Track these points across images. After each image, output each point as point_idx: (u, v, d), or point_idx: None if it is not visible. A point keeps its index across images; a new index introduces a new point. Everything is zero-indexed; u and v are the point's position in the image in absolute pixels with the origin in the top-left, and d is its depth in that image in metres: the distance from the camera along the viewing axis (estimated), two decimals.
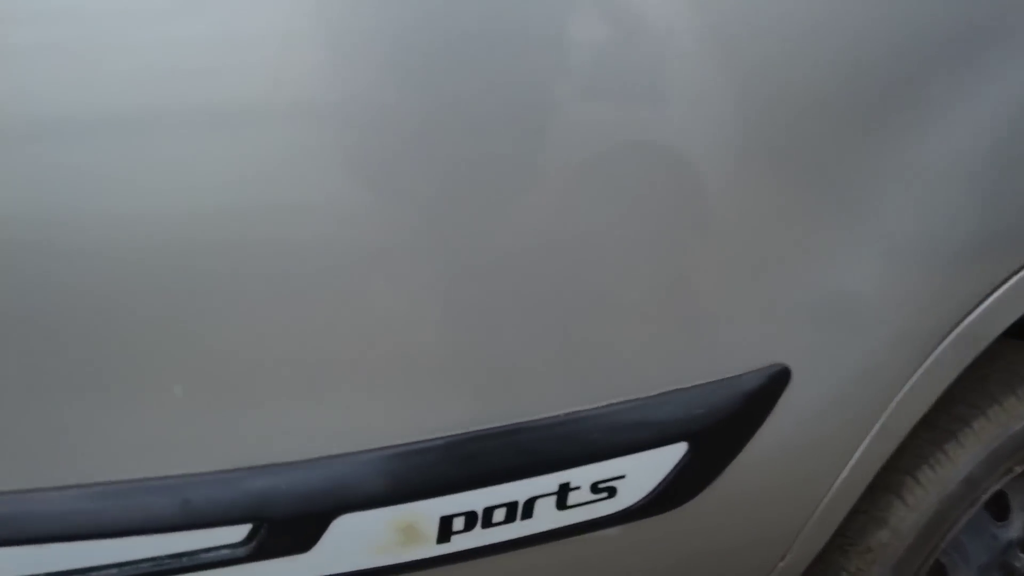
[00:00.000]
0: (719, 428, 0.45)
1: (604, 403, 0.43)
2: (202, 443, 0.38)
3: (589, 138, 0.39)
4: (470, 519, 0.41)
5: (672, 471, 0.45)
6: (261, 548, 0.39)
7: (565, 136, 0.39)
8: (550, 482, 0.42)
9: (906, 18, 0.46)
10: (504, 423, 0.41)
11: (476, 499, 0.41)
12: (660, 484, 0.45)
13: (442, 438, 0.40)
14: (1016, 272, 0.54)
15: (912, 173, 0.48)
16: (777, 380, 0.47)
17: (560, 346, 0.42)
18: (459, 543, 0.42)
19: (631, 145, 0.41)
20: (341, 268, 0.37)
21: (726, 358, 0.46)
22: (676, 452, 0.44)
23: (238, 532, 0.39)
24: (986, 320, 0.54)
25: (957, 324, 0.53)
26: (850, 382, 0.51)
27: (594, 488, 0.43)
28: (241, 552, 0.39)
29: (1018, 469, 0.71)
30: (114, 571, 0.38)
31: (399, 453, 0.40)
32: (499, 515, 0.42)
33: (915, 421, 0.56)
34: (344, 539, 0.40)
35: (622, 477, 0.44)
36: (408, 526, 0.41)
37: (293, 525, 0.39)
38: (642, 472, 0.44)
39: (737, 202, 0.44)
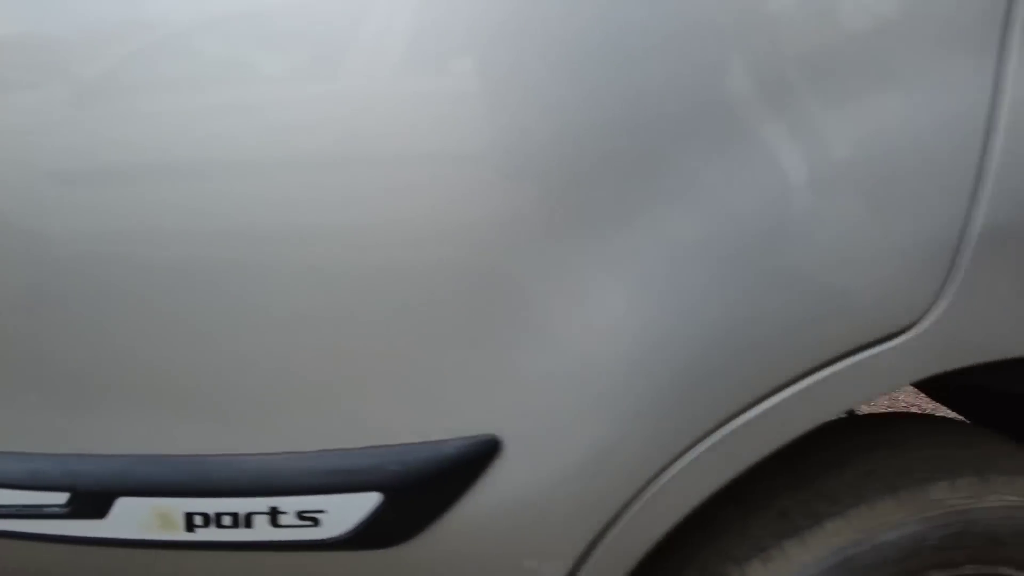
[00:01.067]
0: (414, 486, 0.52)
1: (312, 448, 0.52)
2: (42, 432, 0.56)
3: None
4: (206, 518, 0.54)
5: (369, 516, 0.52)
6: (74, 510, 0.56)
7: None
8: (264, 504, 0.53)
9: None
10: (232, 451, 0.53)
11: (210, 504, 0.54)
12: (359, 524, 0.53)
13: (185, 456, 0.53)
14: (796, 380, 0.50)
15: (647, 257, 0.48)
16: (480, 451, 0.51)
17: (281, 394, 0.52)
18: (201, 535, 0.55)
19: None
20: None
21: (432, 423, 0.52)
22: (370, 500, 0.52)
23: (62, 497, 0.56)
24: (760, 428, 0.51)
25: (725, 423, 0.51)
26: (579, 464, 0.52)
27: (300, 515, 0.53)
28: (62, 511, 0.56)
29: None
30: None
31: (155, 459, 0.54)
32: (227, 520, 0.54)
33: (682, 513, 0.54)
34: (124, 515, 0.55)
35: (323, 511, 0.53)
36: (164, 514, 0.55)
37: (90, 498, 0.55)
38: (341, 511, 0.52)
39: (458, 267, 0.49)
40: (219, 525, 0.55)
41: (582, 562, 0.56)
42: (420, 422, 0.52)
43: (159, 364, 0.53)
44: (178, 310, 0.52)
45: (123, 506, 0.55)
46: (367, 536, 0.54)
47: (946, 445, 0.67)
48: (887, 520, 0.60)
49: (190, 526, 0.55)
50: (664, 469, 0.52)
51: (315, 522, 0.54)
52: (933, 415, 0.83)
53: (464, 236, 0.48)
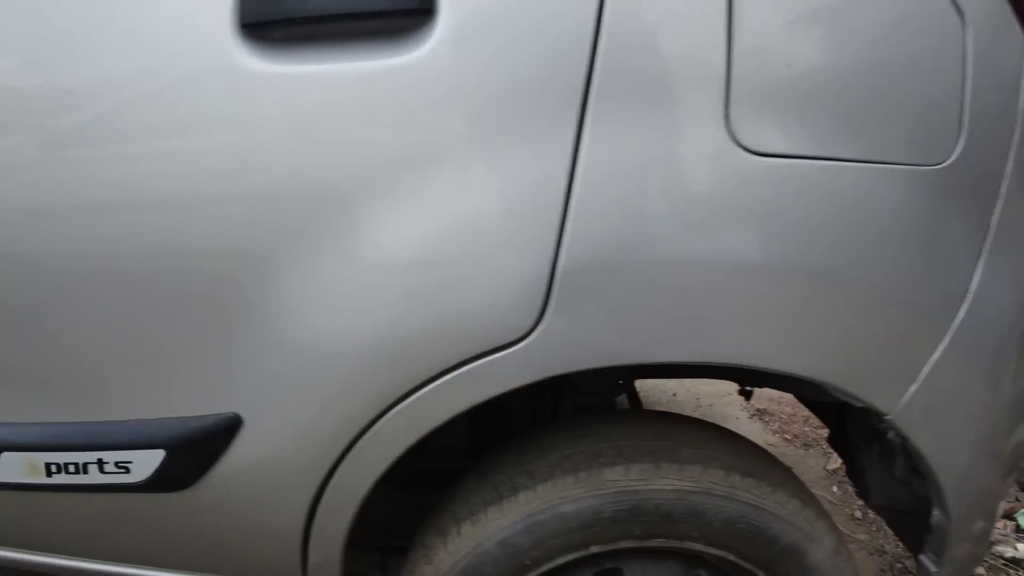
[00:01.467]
0: (185, 447, 0.73)
1: (123, 418, 0.74)
2: None
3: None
4: (59, 467, 0.76)
5: (159, 466, 0.74)
6: None
7: None
8: (94, 456, 0.75)
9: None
10: (75, 420, 0.75)
11: (61, 456, 0.76)
12: (154, 472, 0.74)
13: (46, 423, 0.76)
14: (445, 373, 0.67)
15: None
16: (228, 424, 0.71)
17: (105, 383, 0.74)
18: (56, 479, 0.77)
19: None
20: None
21: (196, 402, 0.72)
22: (157, 455, 0.73)
23: None
24: (428, 404, 0.68)
25: (396, 404, 0.69)
26: (299, 434, 0.72)
27: (117, 464, 0.75)
28: None
29: (595, 548, 0.76)
30: None
31: (27, 425, 0.77)
32: (72, 468, 0.76)
33: (378, 472, 0.72)
34: (6, 464, 0.78)
35: (131, 462, 0.74)
36: (32, 464, 0.77)
37: None
38: (141, 462, 0.74)
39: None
40: (67, 472, 0.77)
41: (317, 502, 0.75)
42: (189, 402, 0.73)
43: (32, 363, 0.76)
44: (38, 322, 0.75)
45: (6, 458, 0.79)
46: (161, 481, 0.75)
47: (646, 437, 0.81)
48: (567, 494, 0.75)
49: (49, 472, 0.78)
50: (356, 440, 0.70)
51: (127, 470, 0.75)
52: (665, 412, 0.94)
53: (212, 263, 0.69)
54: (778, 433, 1.86)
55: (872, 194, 0.68)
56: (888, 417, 0.75)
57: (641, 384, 2.26)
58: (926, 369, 0.73)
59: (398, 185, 0.66)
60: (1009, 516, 1.52)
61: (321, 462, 0.73)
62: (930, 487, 0.80)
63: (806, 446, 1.78)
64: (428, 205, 0.66)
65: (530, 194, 0.65)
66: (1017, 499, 1.61)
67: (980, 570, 1.36)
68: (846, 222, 0.68)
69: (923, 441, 0.76)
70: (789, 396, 2.17)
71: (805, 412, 1.94)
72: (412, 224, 0.66)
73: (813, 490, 1.74)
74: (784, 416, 1.90)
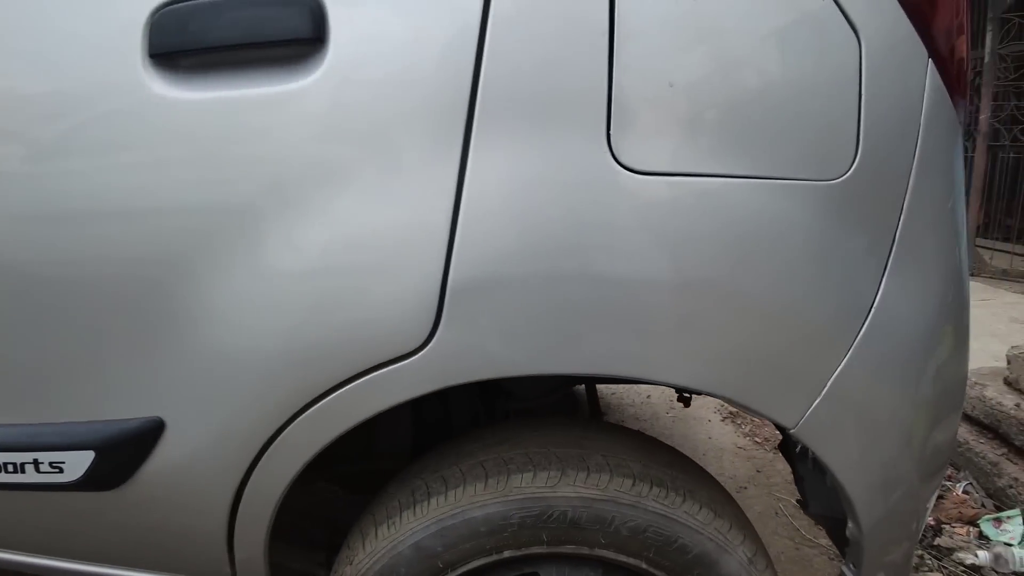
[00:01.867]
0: (112, 448, 0.77)
1: (58, 421, 0.78)
2: None
3: None
4: (4, 466, 0.81)
5: (89, 466, 0.78)
6: None
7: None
8: (30, 456, 0.80)
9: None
10: (12, 423, 0.80)
11: (6, 456, 0.81)
12: (85, 472, 0.78)
13: None
14: (344, 384, 0.70)
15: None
16: (152, 427, 0.75)
17: (42, 387, 0.79)
18: (3, 479, 0.82)
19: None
20: None
21: (123, 406, 0.76)
22: (88, 456, 0.77)
23: None
24: (334, 410, 0.71)
25: (303, 411, 0.72)
26: (216, 437, 0.75)
27: (51, 464, 0.79)
28: None
29: (508, 553, 0.79)
30: None
31: None
32: (11, 467, 0.81)
33: (291, 475, 0.76)
34: None
35: (64, 462, 0.78)
36: None
37: None
38: (73, 462, 0.78)
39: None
40: (6, 471, 0.82)
41: (237, 502, 0.79)
42: (115, 406, 0.78)
43: None
44: None
45: None
46: (92, 480, 0.80)
47: (559, 444, 0.83)
48: (476, 500, 0.78)
49: None
50: (269, 443, 0.74)
51: (61, 470, 0.80)
52: (587, 420, 0.96)
53: (137, 272, 0.73)
54: (748, 436, 1.85)
55: (764, 209, 0.69)
56: (792, 431, 0.76)
57: (617, 386, 2.28)
58: (829, 383, 0.74)
59: (298, 201, 0.69)
60: (972, 522, 1.51)
61: (238, 464, 0.77)
62: (841, 499, 0.81)
63: (776, 450, 1.78)
64: (326, 221, 0.69)
65: (420, 213, 0.68)
66: (983, 505, 1.59)
67: None
68: (738, 237, 0.69)
69: (829, 455, 0.77)
70: None
71: None
72: (312, 238, 0.70)
73: (779, 494, 1.76)
74: (756, 420, 1.89)
